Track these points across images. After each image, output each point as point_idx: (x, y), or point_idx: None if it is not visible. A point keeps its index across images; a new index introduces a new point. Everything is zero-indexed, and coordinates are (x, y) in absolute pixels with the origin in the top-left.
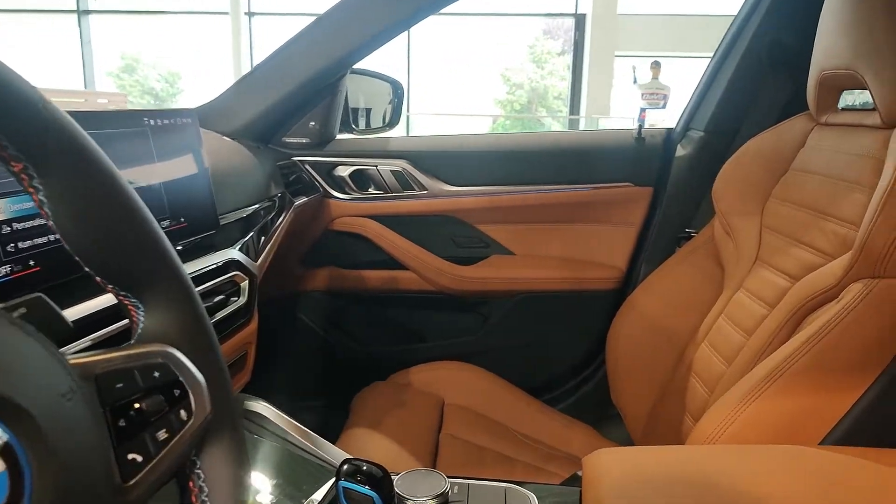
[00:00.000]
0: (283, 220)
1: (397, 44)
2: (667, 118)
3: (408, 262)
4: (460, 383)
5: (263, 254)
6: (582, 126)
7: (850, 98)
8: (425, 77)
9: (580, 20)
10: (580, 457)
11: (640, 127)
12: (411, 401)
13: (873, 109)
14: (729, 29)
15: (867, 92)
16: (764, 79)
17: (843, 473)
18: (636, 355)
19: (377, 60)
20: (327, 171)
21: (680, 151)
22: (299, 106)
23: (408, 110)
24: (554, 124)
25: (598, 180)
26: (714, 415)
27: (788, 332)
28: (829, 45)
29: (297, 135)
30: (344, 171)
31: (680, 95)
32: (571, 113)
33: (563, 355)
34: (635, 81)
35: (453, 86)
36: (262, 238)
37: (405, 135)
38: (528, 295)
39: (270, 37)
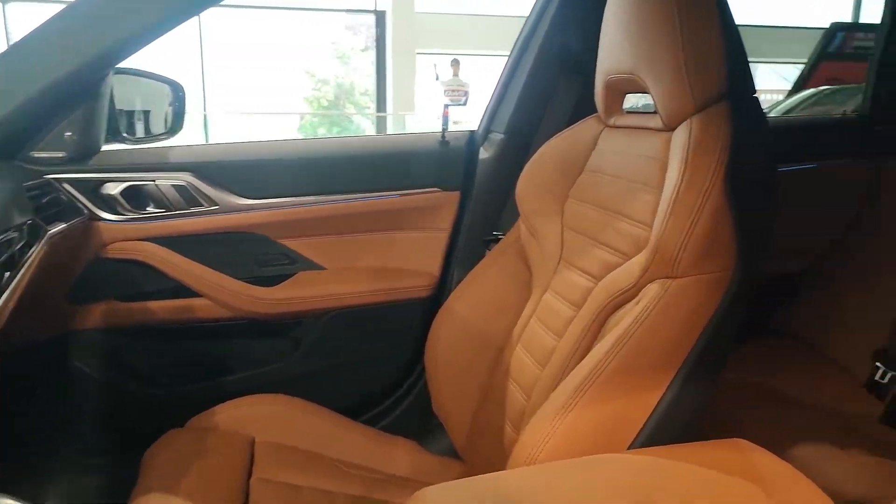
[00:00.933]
0: (33, 254)
1: (188, 37)
2: (470, 115)
3: (201, 289)
4: (271, 417)
5: (3, 298)
6: (389, 123)
7: (633, 100)
8: (223, 73)
9: (380, 17)
10: (404, 476)
11: (444, 130)
12: (215, 446)
13: (655, 112)
14: (521, 33)
15: (649, 95)
16: (556, 82)
17: (653, 476)
18: (454, 362)
19: (160, 55)
20: (92, 189)
21: (483, 154)
22: (49, 113)
23: (204, 109)
24: (363, 121)
25: (406, 186)
26: (534, 429)
27: (595, 333)
28: (612, 51)
29: (50, 148)
30: (114, 189)
31: (480, 92)
32: (379, 110)
33: (382, 370)
34: (437, 78)
35: (255, 82)
36: (5, 278)
37: (204, 138)
38: (342, 311)
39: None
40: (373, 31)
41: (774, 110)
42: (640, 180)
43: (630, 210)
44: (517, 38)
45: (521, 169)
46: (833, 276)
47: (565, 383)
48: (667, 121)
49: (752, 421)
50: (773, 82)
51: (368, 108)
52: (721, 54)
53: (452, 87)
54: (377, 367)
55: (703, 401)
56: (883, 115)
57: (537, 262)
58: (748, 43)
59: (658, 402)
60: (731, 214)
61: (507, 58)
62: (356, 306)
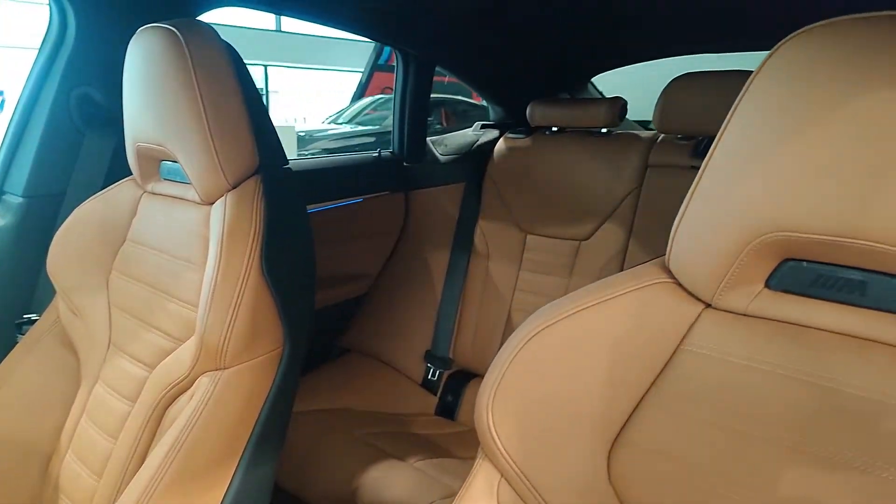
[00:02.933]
0: None
1: None
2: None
3: None
4: None
5: None
6: None
7: (170, 165)
8: None
9: None
10: None
11: None
12: None
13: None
14: (27, 81)
15: None
16: (80, 137)
17: None
18: None
19: None
20: None
21: None
22: None
23: None
24: None
25: None
26: None
27: (152, 431)
28: (139, 118)
29: None
30: None
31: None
32: None
33: None
34: None
35: None
36: None
37: None
38: None
39: None
40: None
41: (344, 114)
42: (184, 257)
43: (178, 290)
44: (23, 89)
45: (50, 237)
46: (385, 292)
47: (123, 499)
48: (203, 196)
49: (331, 448)
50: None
51: None
52: (248, 129)
53: None
54: None
55: (270, 474)
56: (408, 155)
57: (84, 348)
58: (310, 51)
59: (224, 497)
60: (272, 296)
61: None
62: None
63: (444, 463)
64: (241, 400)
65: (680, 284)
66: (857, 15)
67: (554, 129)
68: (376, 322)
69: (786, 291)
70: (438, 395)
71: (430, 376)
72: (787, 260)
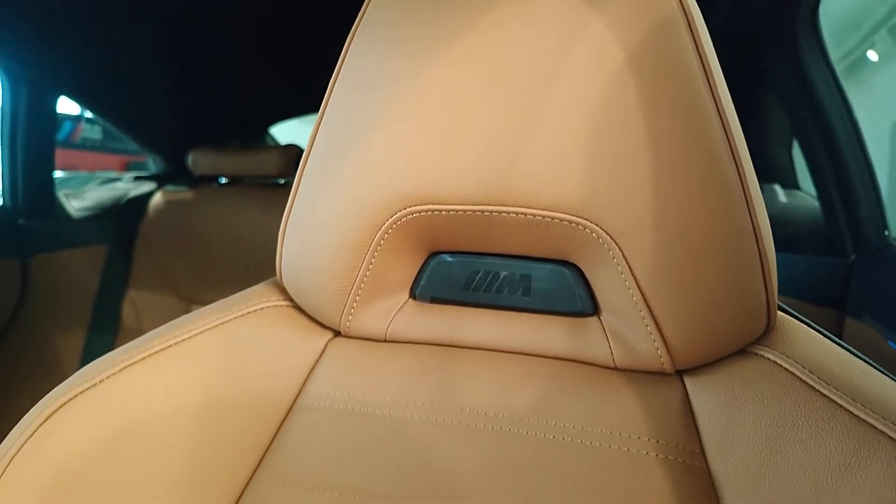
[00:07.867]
0: None
1: None
2: None
3: None
4: None
5: None
6: None
7: None
8: None
9: None
10: None
11: None
12: None
13: None
14: None
15: None
16: None
17: None
18: None
19: None
20: None
21: None
22: None
23: None
24: None
25: None
26: None
27: None
28: None
29: None
30: None
31: None
32: None
33: None
34: None
35: None
36: None
37: None
38: None
39: None
40: None
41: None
42: None
43: None
44: None
45: None
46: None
47: None
48: None
49: None
50: None
51: None
52: None
53: None
54: None
55: None
56: (26, 209)
57: None
58: None
59: None
60: None
61: None
62: None
63: None
64: None
65: (299, 307)
66: None
67: (223, 180)
68: None
69: (435, 301)
70: None
71: None
72: (434, 255)
